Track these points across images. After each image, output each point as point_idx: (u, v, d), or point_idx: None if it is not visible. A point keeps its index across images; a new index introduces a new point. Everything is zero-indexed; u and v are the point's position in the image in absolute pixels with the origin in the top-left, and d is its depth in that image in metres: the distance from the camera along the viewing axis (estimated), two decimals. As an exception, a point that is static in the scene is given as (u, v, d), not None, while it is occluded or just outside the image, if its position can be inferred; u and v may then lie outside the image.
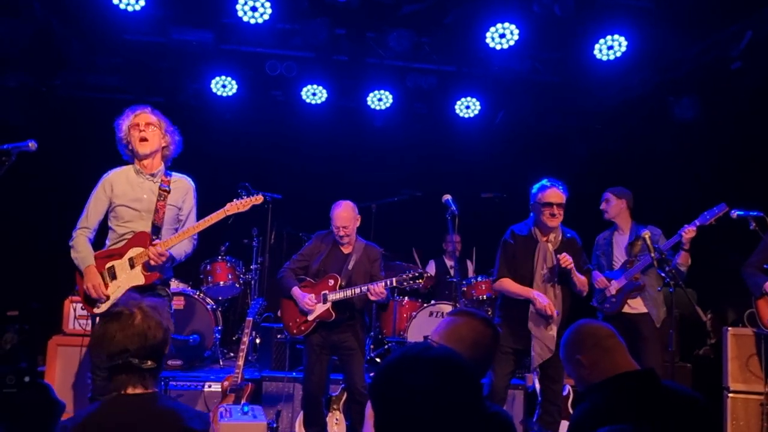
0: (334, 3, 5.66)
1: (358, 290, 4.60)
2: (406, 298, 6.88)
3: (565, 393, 5.19)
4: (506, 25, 5.86)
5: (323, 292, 4.68)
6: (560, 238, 4.51)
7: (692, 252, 4.86)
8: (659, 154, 6.96)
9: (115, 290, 3.78)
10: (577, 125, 7.71)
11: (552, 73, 6.84)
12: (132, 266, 3.80)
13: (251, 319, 5.12)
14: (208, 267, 6.59)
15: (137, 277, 3.80)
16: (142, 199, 3.90)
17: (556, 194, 4.39)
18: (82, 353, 4.89)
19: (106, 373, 3.57)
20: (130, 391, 2.14)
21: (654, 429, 2.04)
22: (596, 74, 6.40)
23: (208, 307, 6.32)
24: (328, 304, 4.66)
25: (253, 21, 5.76)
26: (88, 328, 4.11)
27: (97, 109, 6.27)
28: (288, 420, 5.41)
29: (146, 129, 3.89)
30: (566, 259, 4.27)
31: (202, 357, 6.27)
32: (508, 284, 4.46)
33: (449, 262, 7.53)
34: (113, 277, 3.80)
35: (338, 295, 4.64)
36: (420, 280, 4.67)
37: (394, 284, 4.64)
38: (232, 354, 6.71)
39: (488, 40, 5.97)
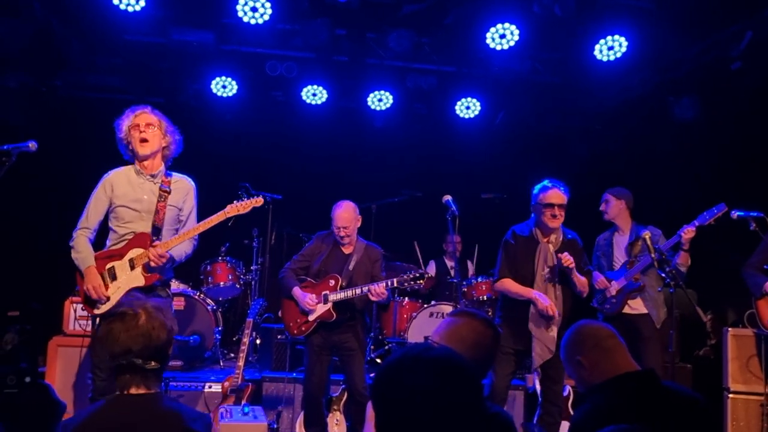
0: (334, 3, 5.66)
1: (358, 290, 4.60)
2: (407, 298, 6.88)
3: (565, 393, 5.20)
4: (506, 25, 5.86)
5: (324, 293, 4.68)
6: (561, 238, 4.51)
7: (692, 252, 4.86)
8: (659, 154, 6.96)
9: (116, 291, 3.77)
10: (578, 125, 7.71)
11: (552, 74, 6.84)
12: (132, 267, 3.80)
13: (251, 319, 5.13)
14: (209, 267, 6.59)
15: (137, 279, 3.79)
16: (143, 200, 3.90)
17: (557, 195, 4.40)
18: (82, 354, 4.89)
19: (107, 373, 3.61)
20: (133, 391, 2.14)
21: (654, 430, 2.04)
22: (596, 75, 6.40)
23: (209, 307, 6.32)
24: (329, 305, 4.66)
25: (253, 21, 5.76)
26: (89, 328, 4.10)
27: (97, 109, 6.27)
28: (288, 421, 5.41)
29: (146, 130, 3.88)
30: (567, 258, 4.27)
31: (203, 358, 6.27)
32: (509, 284, 4.47)
33: (449, 263, 7.52)
34: (113, 278, 3.80)
35: (339, 296, 4.64)
36: (421, 281, 4.67)
37: (395, 285, 4.64)
38: (232, 355, 6.71)
39: (488, 41, 5.97)
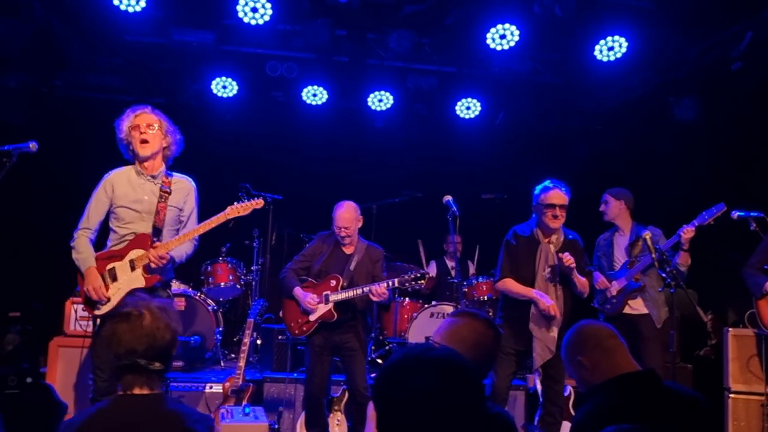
0: (334, 4, 5.66)
1: (360, 291, 4.60)
2: (407, 298, 6.88)
3: (566, 394, 5.20)
4: (507, 26, 5.86)
5: (325, 293, 4.68)
6: (562, 239, 4.51)
7: (693, 253, 4.86)
8: (660, 154, 6.96)
9: (116, 292, 3.78)
10: (578, 126, 7.72)
11: (552, 74, 6.84)
12: (133, 268, 3.80)
13: (252, 320, 5.12)
14: (209, 268, 6.60)
15: (138, 280, 3.79)
16: (143, 201, 3.89)
17: (558, 196, 4.40)
18: (83, 354, 4.89)
19: (109, 373, 3.62)
20: (136, 391, 2.14)
21: (656, 430, 2.04)
22: (597, 75, 6.41)
23: (209, 308, 6.32)
24: (330, 305, 4.66)
25: (253, 22, 5.76)
26: (89, 329, 4.10)
27: (97, 109, 6.27)
28: (289, 421, 5.41)
29: (147, 131, 3.87)
30: (568, 259, 4.27)
31: (204, 358, 6.27)
32: (510, 285, 4.47)
33: (450, 263, 7.52)
34: (114, 278, 3.80)
35: (340, 296, 4.64)
36: (422, 281, 4.66)
37: (396, 285, 4.64)
38: (233, 355, 6.71)
39: (489, 41, 5.97)
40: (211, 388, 5.28)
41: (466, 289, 6.79)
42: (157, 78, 6.73)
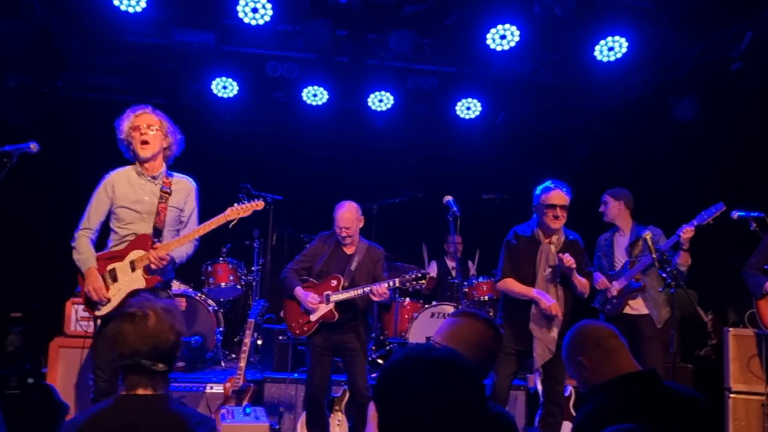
0: (335, 4, 5.66)
1: (360, 291, 4.60)
2: (408, 299, 6.88)
3: (567, 394, 5.20)
4: (507, 26, 5.86)
5: (326, 293, 4.68)
6: (563, 239, 4.51)
7: (693, 253, 4.86)
8: (660, 154, 6.97)
9: (116, 293, 3.78)
10: (578, 126, 7.72)
11: (553, 75, 6.84)
12: (133, 269, 3.80)
13: (253, 320, 5.13)
14: (210, 268, 6.60)
15: (138, 280, 3.79)
16: (144, 201, 3.89)
17: (559, 196, 4.40)
18: (83, 355, 4.89)
19: (109, 374, 3.62)
20: (140, 392, 2.14)
21: (656, 430, 2.04)
22: (597, 75, 6.41)
23: (210, 308, 6.33)
24: (331, 305, 4.66)
25: (254, 22, 5.76)
26: (90, 329, 4.10)
27: (97, 109, 6.27)
28: (290, 421, 5.41)
29: (147, 131, 3.86)
30: (568, 260, 4.27)
31: (204, 358, 6.27)
32: (511, 284, 4.47)
33: (451, 263, 7.53)
34: (114, 279, 3.80)
35: (341, 296, 4.64)
36: (423, 281, 4.66)
37: (397, 285, 4.64)
38: (233, 355, 6.71)
39: (489, 42, 5.97)
40: (211, 388, 5.28)
41: (467, 290, 6.79)
42: (158, 78, 6.73)
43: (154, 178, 3.93)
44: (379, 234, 6.62)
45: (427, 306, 6.65)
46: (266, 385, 5.54)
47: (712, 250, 5.55)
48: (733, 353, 5.36)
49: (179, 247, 3.85)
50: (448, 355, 1.60)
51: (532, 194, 4.56)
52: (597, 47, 6.00)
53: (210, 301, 6.43)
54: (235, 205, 3.98)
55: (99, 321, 3.83)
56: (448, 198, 4.70)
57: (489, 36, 5.94)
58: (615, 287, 5.08)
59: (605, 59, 6.05)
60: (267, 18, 5.75)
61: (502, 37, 5.93)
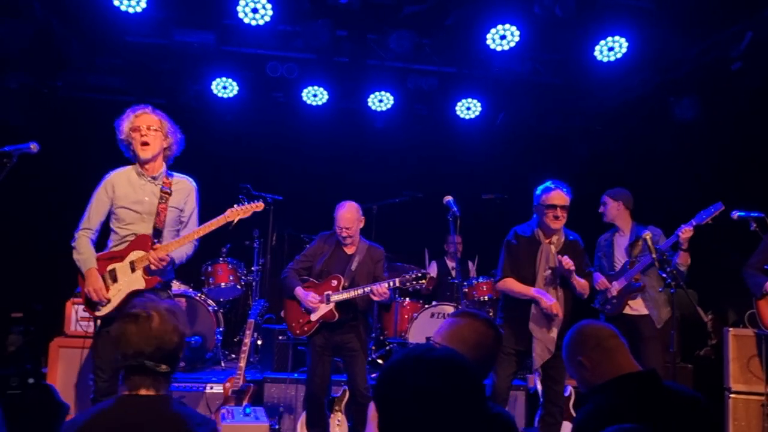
0: (335, 4, 5.66)
1: (361, 291, 4.61)
2: (408, 299, 6.89)
3: (566, 394, 5.20)
4: (507, 26, 5.86)
5: (326, 293, 4.68)
6: (563, 240, 4.51)
7: (693, 253, 4.86)
8: (660, 154, 6.97)
9: (116, 293, 3.78)
10: (578, 126, 7.72)
11: (553, 75, 6.84)
12: (133, 270, 3.80)
13: (253, 320, 5.13)
14: (210, 268, 6.60)
15: (138, 281, 3.79)
16: (144, 202, 3.89)
17: (560, 196, 4.39)
18: (83, 355, 4.90)
19: (110, 374, 3.62)
20: (142, 392, 2.14)
21: (656, 430, 2.04)
22: (597, 75, 6.41)
23: (210, 308, 6.33)
24: (332, 305, 4.67)
25: (254, 23, 5.76)
26: (90, 329, 4.10)
27: (98, 110, 6.27)
28: (290, 421, 5.41)
29: (148, 132, 3.85)
30: (567, 262, 4.27)
31: (204, 358, 6.27)
32: (511, 284, 4.47)
33: (450, 263, 7.53)
34: (114, 280, 3.80)
35: (341, 296, 4.65)
36: (423, 281, 4.66)
37: (397, 285, 4.64)
38: (233, 355, 6.71)
39: (489, 42, 5.97)
40: (211, 388, 5.28)
41: (467, 290, 6.79)
42: (158, 78, 6.73)
43: (154, 178, 3.93)
44: (379, 234, 6.62)
45: (427, 306, 6.65)
46: (266, 385, 5.54)
47: (712, 250, 5.55)
48: (733, 353, 5.36)
49: (179, 248, 3.85)
50: (448, 355, 1.60)
51: (532, 194, 4.55)
52: (597, 47, 6.00)
53: (210, 301, 6.43)
54: (235, 206, 3.98)
55: (99, 321, 3.83)
56: (448, 198, 4.70)
57: (489, 36, 5.95)
58: (615, 287, 5.08)
59: (605, 59, 6.05)
60: (267, 18, 5.75)
61: (502, 37, 5.94)
